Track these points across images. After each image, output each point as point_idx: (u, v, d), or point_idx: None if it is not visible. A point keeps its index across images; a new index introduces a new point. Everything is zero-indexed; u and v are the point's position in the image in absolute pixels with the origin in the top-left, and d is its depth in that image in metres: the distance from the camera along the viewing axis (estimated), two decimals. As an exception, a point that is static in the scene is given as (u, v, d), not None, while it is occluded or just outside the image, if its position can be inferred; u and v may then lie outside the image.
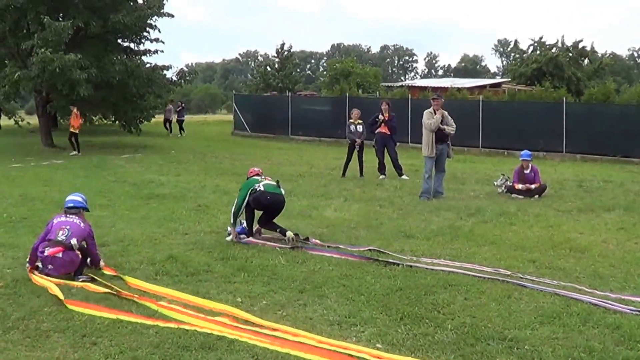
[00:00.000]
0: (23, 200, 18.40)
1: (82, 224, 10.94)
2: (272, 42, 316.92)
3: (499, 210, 16.69)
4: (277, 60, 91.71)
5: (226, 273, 10.64)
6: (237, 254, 11.85)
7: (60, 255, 10.41)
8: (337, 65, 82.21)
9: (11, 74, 34.64)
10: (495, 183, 20.42)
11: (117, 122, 43.86)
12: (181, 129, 49.81)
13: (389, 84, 74.58)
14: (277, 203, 13.46)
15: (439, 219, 15.59)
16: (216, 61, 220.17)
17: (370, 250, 12.09)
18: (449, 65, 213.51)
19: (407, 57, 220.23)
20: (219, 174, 24.89)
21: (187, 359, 7.30)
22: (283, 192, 13.73)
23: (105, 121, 50.46)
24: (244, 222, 13.34)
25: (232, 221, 13.11)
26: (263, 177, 13.81)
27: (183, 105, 51.86)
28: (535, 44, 75.53)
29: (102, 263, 11.01)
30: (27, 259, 10.84)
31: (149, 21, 39.36)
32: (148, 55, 41.94)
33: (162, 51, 42.92)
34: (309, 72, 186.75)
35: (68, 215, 11.02)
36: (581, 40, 73.83)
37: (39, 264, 10.58)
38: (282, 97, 57.27)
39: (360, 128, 23.84)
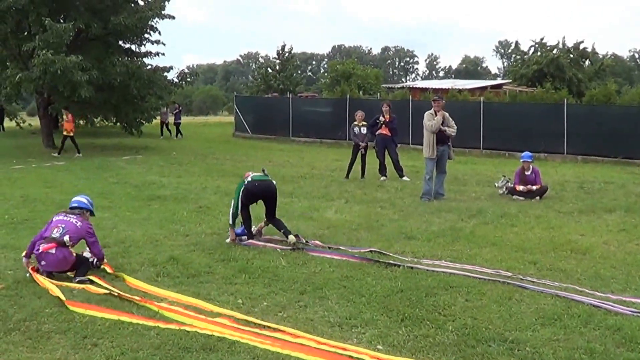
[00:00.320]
0: (24, 202, 18.41)
1: (78, 223, 10.93)
2: (273, 44, 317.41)
3: (500, 211, 16.69)
4: (278, 61, 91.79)
5: (227, 274, 10.64)
6: (238, 255, 11.86)
7: (53, 251, 10.43)
8: (338, 66, 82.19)
9: (12, 75, 34.68)
10: (497, 184, 20.42)
11: (118, 123, 43.86)
12: (178, 131, 49.65)
13: (390, 86, 74.64)
14: (267, 189, 13.57)
15: (440, 220, 15.60)
16: (217, 63, 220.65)
17: (371, 251, 12.09)
18: (450, 66, 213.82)
19: (408, 59, 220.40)
20: (220, 176, 24.89)
21: (187, 360, 7.32)
22: (272, 180, 13.81)
23: (106, 123, 50.45)
24: (239, 229, 13.35)
25: (230, 222, 13.16)
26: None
27: (180, 107, 51.69)
28: (536, 45, 75.51)
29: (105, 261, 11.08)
30: (24, 253, 10.90)
31: (150, 23, 39.44)
32: (149, 57, 42.12)
33: (163, 53, 43.08)
34: (309, 73, 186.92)
35: (67, 215, 11.05)
36: (582, 42, 73.86)
37: (38, 266, 10.60)
38: (283, 99, 57.25)
39: (364, 130, 23.84)
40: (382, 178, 23.33)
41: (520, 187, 19.29)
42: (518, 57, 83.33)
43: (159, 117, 47.20)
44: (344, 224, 15.07)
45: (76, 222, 10.93)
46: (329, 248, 12.44)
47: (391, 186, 21.61)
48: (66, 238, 10.58)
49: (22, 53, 36.57)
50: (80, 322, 8.43)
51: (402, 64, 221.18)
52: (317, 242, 12.91)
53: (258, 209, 13.95)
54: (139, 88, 37.73)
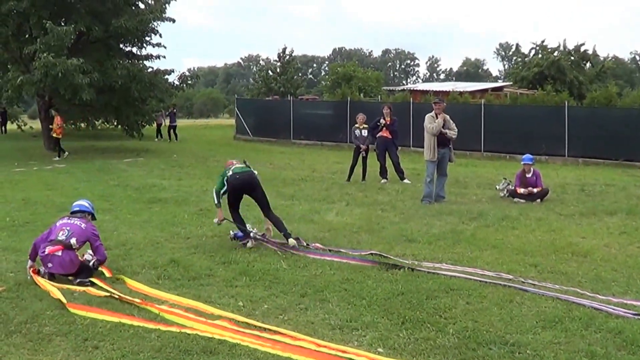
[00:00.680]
0: (26, 204, 18.43)
1: (82, 225, 10.97)
2: (274, 46, 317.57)
3: (501, 214, 16.68)
4: (278, 64, 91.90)
5: (228, 277, 10.65)
6: (238, 258, 11.88)
7: (59, 253, 10.45)
8: (339, 69, 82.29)
9: (14, 78, 34.73)
10: (497, 187, 20.42)
11: (119, 126, 43.90)
12: (174, 134, 49.57)
13: (391, 88, 74.70)
14: (249, 180, 13.62)
15: (440, 223, 15.60)
16: (218, 65, 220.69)
17: (372, 254, 12.09)
18: (451, 69, 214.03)
19: (408, 61, 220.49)
20: (221, 178, 24.89)
21: (188, 363, 7.32)
22: (253, 170, 13.96)
23: (107, 125, 50.48)
24: (248, 225, 13.37)
25: (215, 202, 13.44)
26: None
27: (174, 110, 51.62)
28: (537, 48, 75.41)
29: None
30: (28, 254, 10.91)
31: (150, 26, 39.47)
32: (150, 59, 42.13)
33: (164, 56, 43.16)
34: (310, 76, 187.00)
35: (71, 218, 11.09)
36: (583, 44, 73.77)
37: (41, 268, 10.61)
38: (284, 101, 57.27)
39: (365, 133, 23.83)
40: (383, 181, 23.34)
41: (521, 190, 19.28)
42: (519, 59, 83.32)
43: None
44: (344, 227, 15.07)
45: (80, 224, 10.98)
46: (330, 251, 12.43)
47: (392, 189, 21.61)
48: (73, 241, 10.61)
49: (23, 56, 36.62)
50: (81, 324, 8.42)
51: (402, 66, 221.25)
52: (318, 244, 12.90)
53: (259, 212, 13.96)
54: (140, 91, 37.77)
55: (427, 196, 18.82)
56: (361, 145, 23.61)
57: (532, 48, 77.08)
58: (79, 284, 10.14)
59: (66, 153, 34.58)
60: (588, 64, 74.36)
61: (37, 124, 48.29)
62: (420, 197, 19.02)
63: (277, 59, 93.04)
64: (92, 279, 10.37)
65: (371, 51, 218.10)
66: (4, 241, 13.48)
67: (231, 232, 13.39)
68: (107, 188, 22.06)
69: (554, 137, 33.88)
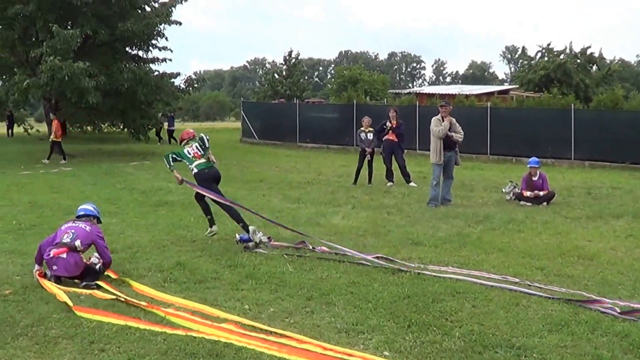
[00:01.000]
0: (32, 208, 18.46)
1: (87, 227, 11.01)
2: (280, 50, 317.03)
3: (507, 217, 16.66)
4: (284, 67, 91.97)
5: (234, 280, 10.65)
6: (245, 261, 11.88)
7: (64, 255, 10.49)
8: (345, 72, 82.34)
9: (20, 81, 34.84)
10: (504, 190, 20.39)
11: (125, 129, 43.95)
12: (172, 137, 49.55)
13: (397, 91, 74.61)
14: (216, 175, 14.43)
15: (447, 226, 15.58)
16: (224, 68, 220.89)
17: (378, 257, 12.07)
18: (457, 72, 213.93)
19: (414, 64, 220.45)
20: (227, 182, 24.77)
21: (194, 366, 7.33)
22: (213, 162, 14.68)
23: (113, 128, 50.56)
24: (245, 235, 13.36)
25: (168, 167, 14.22)
26: (193, 142, 14.64)
27: (173, 114, 51.63)
28: (543, 51, 75.40)
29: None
30: (34, 258, 10.96)
31: (157, 29, 39.52)
32: (156, 63, 42.18)
33: (170, 59, 43.22)
34: (316, 79, 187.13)
35: (76, 222, 11.13)
36: (589, 47, 73.83)
37: (47, 272, 10.63)
38: (290, 105, 57.29)
39: (370, 136, 23.81)
40: (389, 184, 23.32)
41: (528, 193, 19.25)
42: (525, 62, 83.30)
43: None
44: (350, 230, 15.07)
45: (85, 226, 11.01)
46: (336, 254, 12.41)
47: (398, 192, 21.60)
48: (77, 243, 10.65)
49: (29, 59, 36.74)
50: (88, 327, 8.44)
51: (408, 69, 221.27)
52: (324, 248, 12.89)
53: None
54: (146, 94, 37.81)
55: (433, 199, 18.80)
56: (366, 149, 23.60)
57: (538, 51, 77.19)
58: (84, 287, 10.15)
59: (56, 158, 34.53)
60: (594, 67, 74.34)
61: (43, 127, 48.39)
62: (427, 200, 19.00)
63: (283, 62, 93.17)
64: (99, 282, 10.39)
65: (377, 54, 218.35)
66: (11, 244, 13.52)
67: (237, 235, 13.39)
68: (114, 191, 22.08)
69: (561, 140, 33.80)
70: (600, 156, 32.71)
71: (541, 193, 19.17)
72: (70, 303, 9.20)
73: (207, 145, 14.54)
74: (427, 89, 74.33)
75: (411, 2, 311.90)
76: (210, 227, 14.27)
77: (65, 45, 33.36)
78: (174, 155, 14.12)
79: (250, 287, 10.23)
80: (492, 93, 59.69)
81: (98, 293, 9.85)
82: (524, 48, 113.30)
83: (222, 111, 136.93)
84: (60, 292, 9.76)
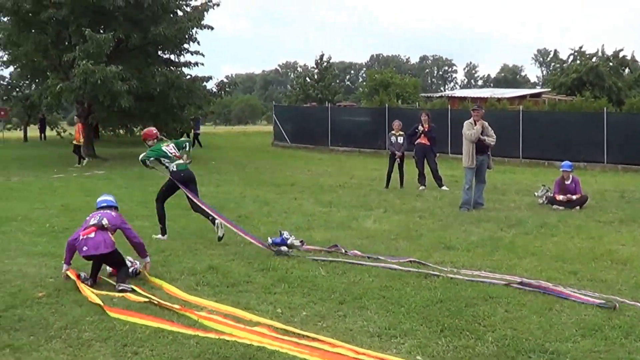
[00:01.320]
0: (65, 211, 18.58)
1: (113, 213, 11.28)
2: (311, 53, 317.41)
3: (540, 221, 16.58)
4: (316, 71, 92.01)
5: (266, 284, 10.65)
6: (277, 264, 11.87)
7: (92, 235, 10.66)
8: (377, 75, 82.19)
9: (53, 85, 35.04)
10: (536, 194, 20.30)
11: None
12: (197, 141, 49.63)
13: (429, 95, 74.56)
14: (192, 177, 15.11)
15: (479, 230, 15.53)
16: (256, 72, 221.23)
17: (410, 261, 12.05)
18: (489, 75, 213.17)
19: (446, 68, 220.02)
20: (259, 185, 24.99)
21: (227, 369, 7.34)
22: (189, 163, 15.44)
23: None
24: (285, 232, 13.38)
25: (141, 161, 15.01)
26: (167, 144, 15.28)
27: (198, 118, 51.78)
28: (575, 54, 75.06)
29: (147, 259, 11.37)
30: (63, 259, 11.04)
31: (189, 33, 39.66)
32: (188, 67, 42.31)
33: (202, 63, 43.27)
34: (348, 82, 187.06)
35: (99, 211, 11.32)
36: (621, 50, 73.47)
37: (81, 273, 10.70)
38: (321, 108, 57.28)
39: (400, 140, 23.80)
40: (421, 187, 23.28)
41: (560, 197, 19.15)
42: (557, 65, 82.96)
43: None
44: (382, 234, 15.04)
45: (110, 212, 11.27)
46: (368, 258, 12.40)
47: (430, 196, 21.56)
48: (104, 221, 10.83)
49: (62, 63, 36.96)
50: (121, 330, 8.47)
51: (440, 72, 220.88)
52: (356, 251, 12.87)
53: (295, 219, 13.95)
54: (178, 98, 37.94)
55: (465, 203, 18.75)
56: (396, 152, 23.59)
57: (570, 54, 76.80)
58: (121, 291, 10.20)
59: (85, 160, 34.78)
60: (627, 70, 73.92)
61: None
62: (459, 204, 18.94)
63: (315, 66, 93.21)
64: (133, 286, 10.44)
65: (408, 57, 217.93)
66: (44, 247, 13.61)
67: (269, 238, 13.40)
68: (146, 194, 22.12)
69: (593, 143, 33.64)
70: (633, 160, 32.53)
71: (574, 197, 19.07)
72: (101, 303, 9.26)
73: (187, 148, 15.58)
74: (459, 93, 74.24)
75: (443, 6, 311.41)
76: (162, 235, 14.63)
77: (98, 49, 33.53)
78: (155, 156, 14.83)
79: (283, 291, 10.23)
80: (524, 96, 59.53)
81: (131, 296, 9.88)
82: (555, 51, 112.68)
83: (253, 115, 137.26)
84: (92, 295, 9.81)
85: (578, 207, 18.78)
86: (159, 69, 38.01)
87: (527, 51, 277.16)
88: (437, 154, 24.53)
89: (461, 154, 19.23)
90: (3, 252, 13.30)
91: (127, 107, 34.42)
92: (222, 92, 43.27)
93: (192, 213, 18.10)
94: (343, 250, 12.93)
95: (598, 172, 31.50)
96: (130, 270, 11.04)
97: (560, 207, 18.82)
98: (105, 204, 11.59)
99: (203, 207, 14.44)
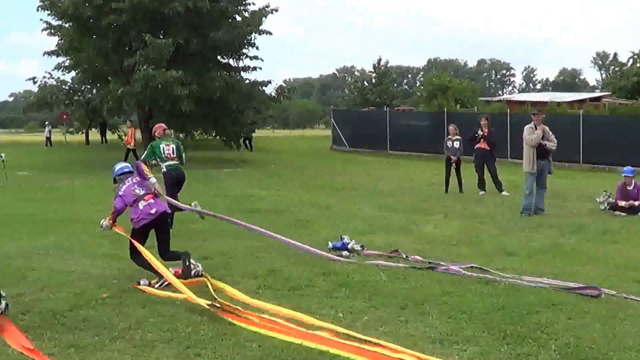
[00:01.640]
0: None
1: (135, 177, 11.91)
2: (368, 58, 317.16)
3: (601, 227, 16.43)
4: (374, 75, 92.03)
5: (327, 288, 10.66)
6: (338, 269, 11.87)
7: (152, 201, 11.48)
8: (435, 79, 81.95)
9: (115, 90, 35.51)
10: (598, 200, 20.08)
11: (217, 137, 44.38)
12: (248, 145, 49.72)
13: (487, 99, 74.20)
14: (182, 176, 16.13)
15: (540, 236, 15.42)
16: (313, 76, 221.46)
17: (471, 267, 12.00)
18: (547, 79, 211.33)
19: (504, 71, 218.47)
20: (319, 189, 25.06)
21: (289, 373, 7.38)
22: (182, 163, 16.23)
23: (206, 136, 51.14)
24: (345, 237, 13.43)
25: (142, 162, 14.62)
26: (171, 141, 16.40)
27: (252, 121, 51.98)
28: (635, 57, 74.04)
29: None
30: (109, 218, 11.97)
31: (247, 38, 39.91)
32: (247, 71, 42.48)
33: (260, 68, 43.53)
34: (405, 87, 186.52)
35: (128, 180, 11.94)
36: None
37: (141, 281, 10.86)
38: (380, 112, 57.31)
39: (457, 144, 23.76)
40: (481, 192, 23.19)
41: (623, 203, 18.93)
42: (617, 69, 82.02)
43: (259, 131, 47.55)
44: (443, 239, 15.02)
45: (137, 179, 11.88)
46: (429, 263, 12.37)
47: (490, 201, 21.48)
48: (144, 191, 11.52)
49: (123, 68, 37.41)
50: (184, 332, 8.55)
51: (498, 76, 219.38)
52: (417, 257, 12.85)
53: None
54: (238, 102, 38.21)
55: (526, 209, 18.64)
56: (452, 157, 23.56)
57: (630, 57, 75.75)
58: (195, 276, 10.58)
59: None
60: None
61: (137, 134, 49.18)
62: (519, 209, 18.83)
63: (372, 70, 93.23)
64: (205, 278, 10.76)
65: (466, 61, 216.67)
66: (107, 248, 13.78)
67: (329, 243, 13.44)
68: (207, 198, 22.26)
69: (655, 148, 33.20)
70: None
71: (636, 203, 18.84)
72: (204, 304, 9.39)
73: (182, 154, 16.27)
74: (518, 97, 73.90)
75: (500, 9, 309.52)
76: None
77: (158, 54, 33.96)
78: (149, 157, 15.77)
79: (344, 295, 10.22)
80: (583, 100, 59.06)
81: (194, 298, 9.94)
82: (615, 54, 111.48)
83: (311, 119, 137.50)
84: (195, 297, 9.81)
85: (641, 214, 18.59)
86: (219, 74, 38.27)
87: (585, 54, 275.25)
88: (497, 159, 24.40)
89: (521, 158, 19.15)
90: (67, 253, 13.55)
91: (187, 111, 34.72)
92: (281, 97, 43.47)
93: (255, 215, 18.27)
94: (404, 256, 12.93)
95: (661, 177, 31.12)
96: (193, 272, 11.14)
97: (623, 214, 18.62)
98: (127, 170, 12.20)
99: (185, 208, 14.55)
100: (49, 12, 38.61)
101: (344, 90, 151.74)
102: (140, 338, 8.38)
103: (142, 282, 10.84)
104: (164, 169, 15.33)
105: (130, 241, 11.50)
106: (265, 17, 40.22)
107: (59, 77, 42.17)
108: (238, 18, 41.03)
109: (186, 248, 12.01)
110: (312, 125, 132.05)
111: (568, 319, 9.04)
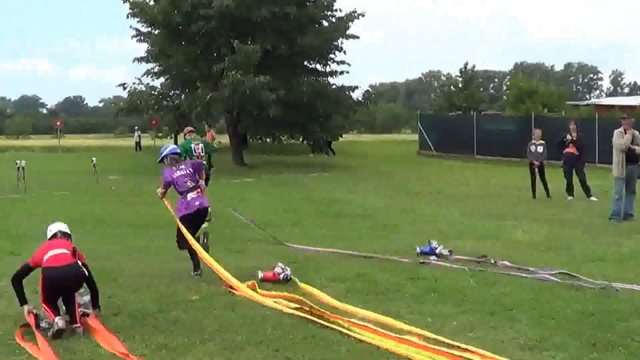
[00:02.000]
0: (216, 216, 18.91)
1: (189, 170, 12.59)
2: (454, 62, 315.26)
3: (694, 234, 16.15)
4: (460, 79, 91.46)
5: (416, 293, 10.67)
6: (426, 274, 11.89)
7: (199, 195, 12.44)
8: (522, 84, 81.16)
9: (203, 95, 35.89)
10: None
11: (304, 141, 44.56)
12: (330, 149, 49.77)
13: (575, 103, 73.19)
14: (208, 174, 16.74)
15: (630, 242, 15.19)
16: (399, 81, 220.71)
17: (560, 273, 11.90)
18: (635, 82, 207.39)
19: (591, 75, 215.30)
20: (405, 194, 25.06)
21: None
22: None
23: (293, 140, 51.41)
24: (433, 242, 13.46)
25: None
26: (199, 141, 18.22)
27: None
28: None
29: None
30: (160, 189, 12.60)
31: (335, 43, 40.03)
32: (334, 76, 42.58)
33: (347, 72, 43.60)
34: (492, 91, 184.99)
35: (176, 165, 12.63)
36: None
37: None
38: (466, 117, 56.96)
39: (540, 149, 23.58)
40: (569, 198, 22.94)
41: None
42: None
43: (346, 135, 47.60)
44: (531, 245, 14.93)
45: (186, 168, 12.62)
46: (518, 269, 12.30)
47: (579, 206, 21.26)
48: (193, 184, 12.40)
49: (211, 74, 37.80)
50: (273, 335, 8.62)
51: (585, 80, 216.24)
52: (506, 262, 12.80)
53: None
54: (325, 107, 38.30)
55: (615, 214, 18.39)
56: (534, 162, 23.39)
57: None
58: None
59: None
60: None
61: (224, 139, 49.66)
62: (608, 215, 18.59)
63: (459, 75, 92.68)
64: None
65: (553, 65, 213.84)
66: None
67: (417, 248, 13.47)
68: (294, 202, 22.51)
69: None
70: None
71: None
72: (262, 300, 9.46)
73: (210, 151, 17.73)
74: (606, 101, 72.78)
75: (587, 13, 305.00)
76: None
77: (247, 60, 34.30)
78: (183, 152, 16.00)
79: (433, 300, 10.23)
80: (674, 103, 57.90)
81: (283, 302, 10.05)
82: None
83: (397, 123, 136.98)
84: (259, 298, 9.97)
85: None
86: (306, 79, 38.46)
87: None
88: (586, 164, 24.11)
89: (609, 163, 18.92)
90: (156, 255, 13.90)
91: (275, 116, 34.95)
92: (368, 102, 43.52)
93: (341, 219, 18.34)
94: (492, 261, 12.88)
95: None
96: (281, 276, 11.28)
97: None
98: (177, 152, 13.15)
99: None
100: (138, 19, 39.39)
101: (430, 95, 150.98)
102: (230, 340, 8.47)
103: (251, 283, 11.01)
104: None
105: (178, 230, 12.29)
106: (352, 22, 40.32)
107: (148, 83, 42.92)
108: (325, 23, 41.18)
109: (274, 252, 12.18)
110: (398, 129, 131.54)
111: (659, 326, 8.93)
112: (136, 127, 65.66)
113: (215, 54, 39.03)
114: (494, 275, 11.80)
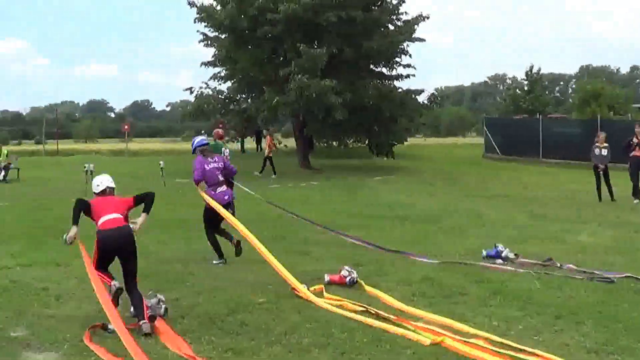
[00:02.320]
0: (279, 220, 18.98)
1: (220, 164, 13.92)
2: (520, 65, 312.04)
3: None
4: (526, 82, 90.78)
5: (481, 296, 10.71)
6: (492, 277, 11.90)
7: (227, 189, 14.03)
8: (587, 87, 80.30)
9: (270, 99, 36.04)
10: None
11: (370, 145, 44.52)
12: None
13: (641, 106, 72.25)
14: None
15: (699, 246, 15.05)
16: (465, 84, 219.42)
17: (627, 277, 11.83)
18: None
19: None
20: (470, 197, 24.98)
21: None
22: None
23: (358, 144, 51.39)
24: (499, 245, 13.46)
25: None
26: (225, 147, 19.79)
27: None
28: None
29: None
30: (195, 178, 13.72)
31: (400, 47, 39.97)
32: (400, 79, 42.47)
33: (413, 75, 43.50)
34: (557, 94, 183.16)
35: (209, 158, 13.87)
36: None
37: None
38: (532, 120, 56.47)
39: (604, 152, 23.40)
40: (636, 201, 22.68)
41: None
42: None
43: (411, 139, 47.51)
44: (597, 248, 14.82)
45: (217, 162, 13.91)
46: (584, 272, 12.24)
47: (645, 209, 21.06)
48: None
49: (278, 78, 37.90)
50: (339, 338, 8.69)
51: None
52: (571, 265, 12.75)
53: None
54: (391, 110, 38.26)
55: (683, 218, 18.23)
56: (599, 165, 23.23)
57: None
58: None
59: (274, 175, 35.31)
60: None
61: (291, 142, 49.86)
62: (676, 219, 18.43)
63: (525, 77, 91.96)
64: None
65: (618, 68, 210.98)
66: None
67: (483, 251, 13.48)
68: (358, 205, 22.54)
69: None
70: None
71: None
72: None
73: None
74: (671, 104, 71.67)
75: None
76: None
77: (313, 63, 34.40)
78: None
79: (498, 303, 10.25)
80: None
81: (348, 305, 10.13)
82: None
83: (462, 126, 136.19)
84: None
85: None
86: (371, 82, 38.44)
87: None
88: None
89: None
90: (222, 258, 13.93)
91: (341, 119, 35.00)
92: (434, 105, 43.42)
93: (404, 222, 18.37)
94: (558, 264, 12.84)
95: None
96: (348, 279, 11.35)
97: None
98: (207, 142, 14.27)
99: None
100: (205, 24, 39.68)
101: (496, 98, 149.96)
102: (296, 343, 8.57)
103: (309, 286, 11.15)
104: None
105: (205, 220, 14.00)
106: (418, 25, 40.24)
107: (215, 87, 43.14)
108: (391, 27, 41.13)
109: (339, 255, 12.28)
110: (464, 133, 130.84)
111: None
112: (202, 131, 65.94)
113: (281, 58, 39.15)
114: (559, 279, 11.77)
